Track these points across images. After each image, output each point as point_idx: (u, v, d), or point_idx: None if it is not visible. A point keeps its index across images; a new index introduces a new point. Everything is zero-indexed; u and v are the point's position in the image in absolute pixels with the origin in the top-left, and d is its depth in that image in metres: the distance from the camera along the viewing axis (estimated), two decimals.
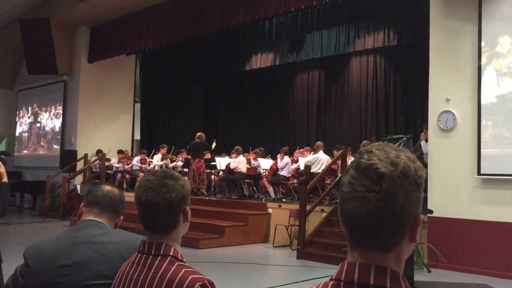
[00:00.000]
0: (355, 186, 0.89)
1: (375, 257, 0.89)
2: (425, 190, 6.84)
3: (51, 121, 15.93)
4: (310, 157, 10.61)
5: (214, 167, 12.52)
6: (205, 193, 12.13)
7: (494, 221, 7.02)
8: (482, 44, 7.37)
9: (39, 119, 16.53)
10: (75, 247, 1.77)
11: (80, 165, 14.27)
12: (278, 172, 11.22)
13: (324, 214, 8.78)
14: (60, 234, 1.88)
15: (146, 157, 13.89)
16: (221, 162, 12.32)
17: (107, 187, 1.99)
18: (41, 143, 16.30)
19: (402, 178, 0.88)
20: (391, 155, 0.90)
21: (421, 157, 8.42)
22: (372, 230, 0.88)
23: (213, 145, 12.66)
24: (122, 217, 2.02)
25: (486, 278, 6.57)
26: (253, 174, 11.76)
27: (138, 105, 17.20)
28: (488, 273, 6.85)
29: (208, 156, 12.74)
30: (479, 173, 7.23)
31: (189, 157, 12.85)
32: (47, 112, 16.12)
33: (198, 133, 12.32)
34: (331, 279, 0.92)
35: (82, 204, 1.97)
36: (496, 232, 6.99)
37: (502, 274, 6.76)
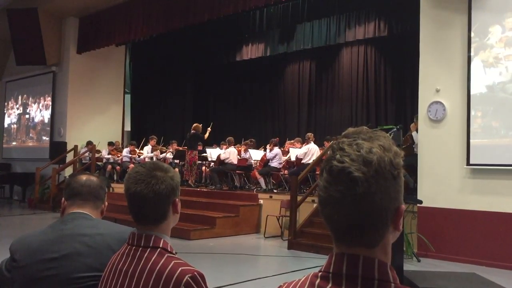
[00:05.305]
0: (330, 192, 0.87)
1: (361, 251, 0.88)
2: (415, 181, 6.82)
3: (40, 112, 15.78)
4: (302, 149, 10.64)
5: (205, 158, 12.51)
6: (192, 184, 12.04)
7: (483, 211, 7.09)
8: (472, 34, 7.39)
9: (28, 111, 16.35)
10: (62, 240, 1.75)
11: (70, 156, 14.17)
12: (268, 163, 11.25)
13: (314, 205, 8.80)
14: (46, 228, 1.85)
15: (135, 149, 13.85)
16: (212, 153, 12.32)
17: (84, 177, 1.95)
18: (30, 135, 16.15)
19: (377, 178, 0.85)
20: (363, 150, 0.86)
21: (412, 147, 8.46)
22: (354, 232, 0.87)
23: (207, 133, 12.46)
24: (106, 203, 1.99)
25: (474, 267, 6.64)
26: (244, 165, 11.77)
27: (128, 96, 17.08)
28: (476, 262, 6.93)
29: (200, 147, 12.70)
30: (468, 163, 7.29)
31: (180, 148, 12.88)
32: (36, 103, 15.95)
33: (194, 125, 12.21)
34: (320, 271, 0.92)
35: (63, 198, 1.93)
36: (484, 221, 7.06)
37: (490, 263, 6.84)
